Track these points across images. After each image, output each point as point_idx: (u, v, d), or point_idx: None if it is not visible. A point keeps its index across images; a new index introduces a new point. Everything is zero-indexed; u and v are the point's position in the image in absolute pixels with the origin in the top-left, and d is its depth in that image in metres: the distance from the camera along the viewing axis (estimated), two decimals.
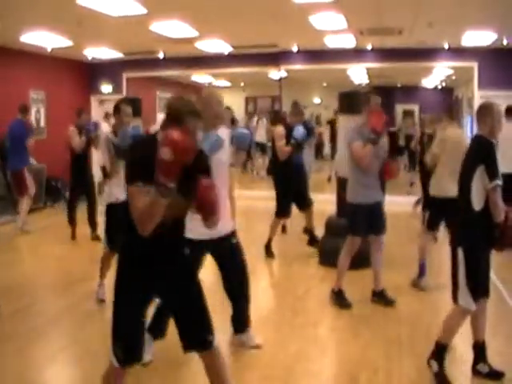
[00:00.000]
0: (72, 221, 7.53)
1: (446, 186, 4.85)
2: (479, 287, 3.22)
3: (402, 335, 4.16)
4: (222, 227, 3.41)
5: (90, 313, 4.71)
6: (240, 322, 3.93)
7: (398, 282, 5.38)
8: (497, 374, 3.36)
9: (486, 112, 3.35)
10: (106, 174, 4.81)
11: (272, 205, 6.67)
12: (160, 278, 2.49)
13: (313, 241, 6.84)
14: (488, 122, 3.30)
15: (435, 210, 5.25)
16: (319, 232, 6.58)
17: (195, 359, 3.00)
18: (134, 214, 2.24)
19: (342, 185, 6.28)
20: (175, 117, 2.32)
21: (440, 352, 3.32)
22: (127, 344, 2.49)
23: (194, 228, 3.39)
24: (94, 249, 7.18)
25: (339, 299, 4.78)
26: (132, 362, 2.52)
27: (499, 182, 3.12)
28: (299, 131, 6.14)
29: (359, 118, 6.26)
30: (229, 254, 3.74)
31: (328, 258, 6.07)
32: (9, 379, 3.49)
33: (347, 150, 4.71)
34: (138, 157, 2.34)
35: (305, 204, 6.66)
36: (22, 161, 8.02)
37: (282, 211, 6.56)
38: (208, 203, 2.38)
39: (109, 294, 4.61)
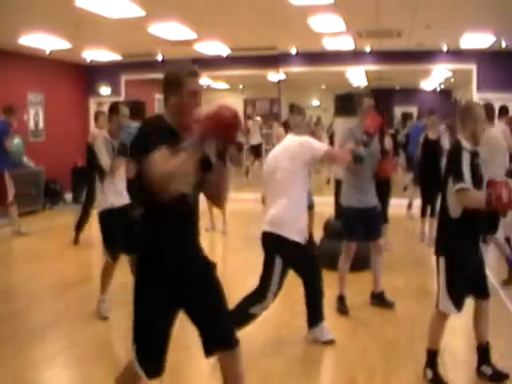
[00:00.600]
0: (80, 226, 7.45)
1: None
2: (460, 293, 3.23)
3: (401, 338, 4.15)
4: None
5: (89, 314, 4.69)
6: (311, 316, 4.06)
7: (396, 284, 5.37)
8: (500, 376, 3.34)
9: (466, 114, 3.29)
10: (101, 177, 4.58)
11: None
12: (183, 285, 2.36)
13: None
14: (468, 125, 3.24)
15: None
16: (318, 234, 6.56)
17: (195, 360, 3.00)
18: (157, 177, 2.06)
19: (340, 188, 6.28)
20: (174, 80, 2.28)
21: (431, 358, 3.33)
22: (155, 358, 2.38)
23: (301, 231, 3.82)
24: (93, 251, 7.18)
25: (338, 304, 4.74)
26: (159, 375, 2.41)
27: (463, 185, 3.04)
28: None
29: (355, 119, 6.29)
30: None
31: (326, 261, 6.04)
32: (8, 380, 3.48)
33: None
34: (154, 129, 2.26)
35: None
36: (2, 162, 7.65)
37: None
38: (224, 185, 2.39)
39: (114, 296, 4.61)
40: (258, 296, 3.78)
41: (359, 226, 4.60)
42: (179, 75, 2.29)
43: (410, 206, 9.05)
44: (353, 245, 4.67)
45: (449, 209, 3.20)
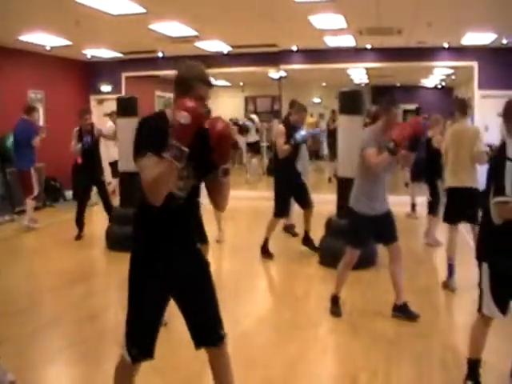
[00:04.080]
0: (80, 222, 7.55)
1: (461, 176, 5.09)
2: (505, 298, 3.06)
3: (402, 337, 4.14)
4: None
5: (90, 314, 4.69)
6: None
7: None
8: None
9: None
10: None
11: (269, 205, 6.66)
12: (175, 274, 2.46)
13: (308, 241, 6.84)
14: None
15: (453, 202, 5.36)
16: (319, 232, 6.55)
17: (198, 359, 2.99)
18: (146, 184, 2.19)
19: (342, 185, 6.26)
20: (184, 84, 2.34)
21: (473, 369, 3.14)
22: (143, 343, 2.47)
23: None
24: (93, 248, 7.18)
25: (331, 305, 4.62)
26: (145, 359, 2.50)
27: (500, 198, 2.90)
28: (300, 134, 6.17)
29: (360, 118, 6.23)
30: None
31: (328, 259, 6.05)
32: None
33: (359, 155, 4.33)
34: (147, 129, 2.32)
35: (307, 204, 6.65)
36: (29, 161, 8.05)
37: (280, 211, 6.56)
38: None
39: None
40: None
41: (369, 235, 4.41)
42: (191, 79, 2.33)
43: (413, 206, 9.01)
44: (355, 252, 4.45)
45: (491, 215, 3.03)
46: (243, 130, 4.12)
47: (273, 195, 6.64)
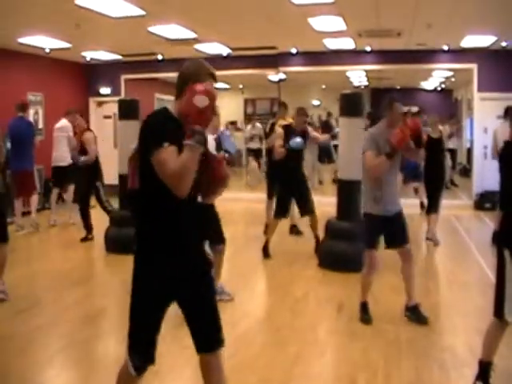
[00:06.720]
0: (89, 225, 7.53)
1: None
2: None
3: (401, 337, 4.14)
4: None
5: (90, 314, 4.69)
6: None
7: (395, 282, 5.35)
8: None
9: None
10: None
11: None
12: (181, 283, 2.37)
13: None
14: None
15: None
16: (320, 235, 6.55)
17: (193, 362, 2.98)
18: (174, 174, 2.12)
19: (342, 187, 6.25)
20: (193, 77, 2.29)
21: (484, 371, 3.12)
22: (145, 353, 2.39)
23: None
24: (93, 251, 7.18)
25: (360, 312, 4.53)
26: (147, 366, 2.42)
27: None
28: (295, 141, 6.19)
29: (360, 120, 6.22)
30: None
31: (328, 261, 6.05)
32: (11, 379, 3.48)
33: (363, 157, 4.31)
34: (157, 123, 2.28)
35: (307, 210, 6.63)
36: (32, 160, 8.04)
37: (279, 212, 6.57)
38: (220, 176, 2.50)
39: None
40: None
41: (378, 234, 4.34)
42: (200, 74, 2.33)
43: (422, 204, 9.02)
44: (373, 253, 4.36)
45: None
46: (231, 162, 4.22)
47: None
